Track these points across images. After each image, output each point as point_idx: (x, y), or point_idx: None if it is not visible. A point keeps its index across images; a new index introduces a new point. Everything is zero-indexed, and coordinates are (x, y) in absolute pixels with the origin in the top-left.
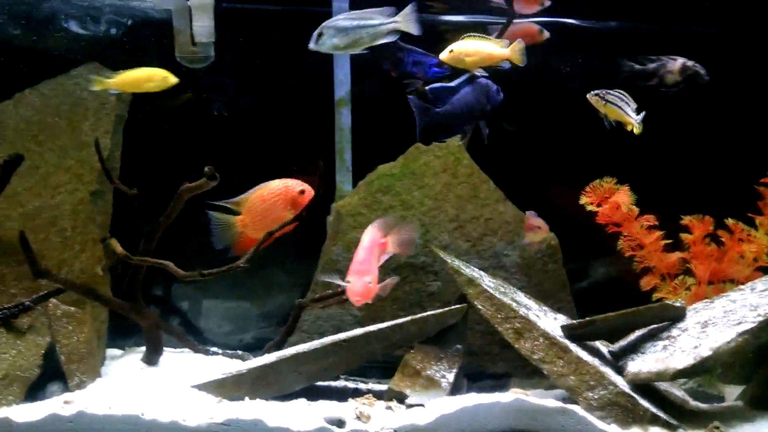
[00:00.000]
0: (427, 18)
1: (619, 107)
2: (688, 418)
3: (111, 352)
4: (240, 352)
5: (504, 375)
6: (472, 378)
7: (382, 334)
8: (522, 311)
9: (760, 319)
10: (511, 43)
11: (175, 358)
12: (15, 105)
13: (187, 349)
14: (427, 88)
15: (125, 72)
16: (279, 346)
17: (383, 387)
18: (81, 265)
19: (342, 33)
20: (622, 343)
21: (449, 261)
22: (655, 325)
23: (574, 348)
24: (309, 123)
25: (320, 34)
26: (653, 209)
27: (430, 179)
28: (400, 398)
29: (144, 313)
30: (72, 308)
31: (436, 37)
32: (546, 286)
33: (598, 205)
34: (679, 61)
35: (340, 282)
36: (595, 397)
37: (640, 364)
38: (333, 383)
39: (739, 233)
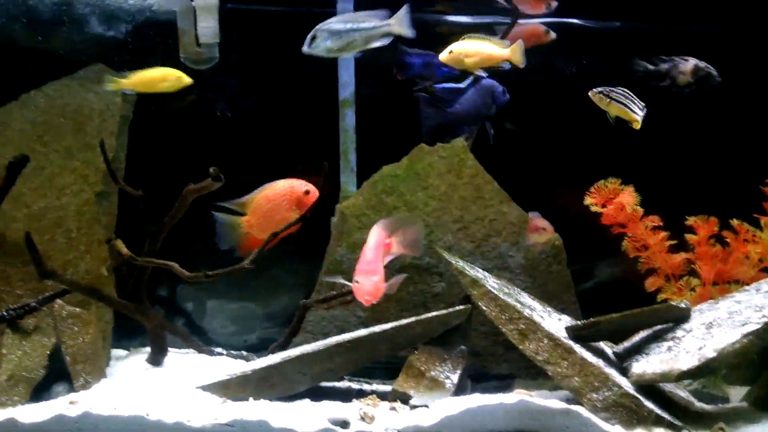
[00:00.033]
0: (431, 18)
1: (625, 105)
2: (693, 419)
3: (116, 352)
4: (244, 353)
5: (508, 376)
6: (476, 379)
7: (387, 335)
8: (526, 312)
9: (765, 320)
10: (520, 44)
11: (180, 359)
12: (20, 106)
13: (191, 350)
14: (436, 87)
15: (139, 72)
16: (283, 347)
17: (387, 388)
18: (86, 266)
19: (335, 36)
20: (627, 344)
21: (453, 262)
22: (660, 326)
23: (578, 349)
24: (313, 124)
25: (314, 37)
26: (658, 210)
27: (434, 180)
28: (404, 399)
29: (149, 313)
30: (77, 309)
31: (435, 37)
32: (550, 287)
33: (603, 206)
34: (691, 62)
35: (345, 282)
36: (600, 398)
37: (645, 365)
38: (337, 384)
39: (744, 234)
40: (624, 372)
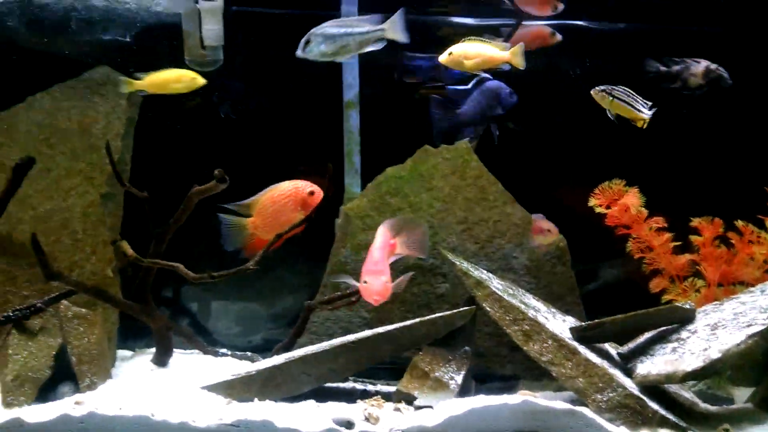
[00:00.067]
0: (436, 20)
1: (627, 103)
2: (698, 420)
3: (121, 353)
4: (249, 354)
5: (512, 377)
6: (480, 380)
7: (391, 336)
8: (531, 313)
9: None
10: (520, 46)
11: (185, 360)
12: (27, 108)
13: (196, 351)
14: (447, 89)
15: (154, 73)
16: (288, 348)
17: (392, 388)
18: (92, 267)
19: (329, 40)
20: (631, 345)
21: (458, 263)
22: (665, 327)
23: (582, 350)
24: (318, 126)
25: (307, 42)
26: (662, 211)
27: (438, 181)
28: (409, 400)
29: (154, 314)
30: (83, 310)
31: (440, 40)
32: (555, 288)
33: (607, 207)
34: (703, 64)
35: (353, 282)
36: (604, 399)
37: (650, 366)
38: (342, 385)
39: (749, 235)
40: (628, 373)
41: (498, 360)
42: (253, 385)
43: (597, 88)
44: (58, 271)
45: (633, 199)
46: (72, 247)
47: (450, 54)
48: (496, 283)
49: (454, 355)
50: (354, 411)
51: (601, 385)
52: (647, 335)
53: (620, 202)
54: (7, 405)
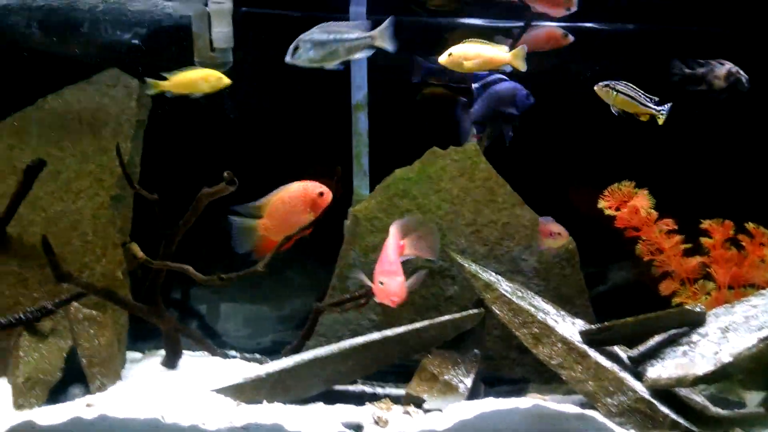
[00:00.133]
0: (443, 21)
1: (631, 97)
2: (709, 424)
3: (131, 355)
4: (258, 356)
5: (522, 380)
6: (489, 383)
7: (400, 339)
8: (540, 316)
9: None
10: (522, 48)
11: (194, 362)
12: (37, 111)
13: (205, 353)
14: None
15: (179, 73)
16: (296, 350)
17: (401, 391)
18: (102, 269)
19: (318, 47)
20: (642, 348)
21: (466, 265)
22: (675, 331)
23: (592, 353)
24: (326, 127)
25: (296, 48)
26: (672, 213)
27: (446, 183)
28: (418, 403)
29: (163, 316)
30: (93, 312)
31: (438, 40)
32: (564, 291)
33: (617, 209)
34: (726, 67)
35: (366, 280)
36: (615, 403)
37: (660, 370)
38: (350, 387)
39: (760, 237)
40: (639, 376)
41: (507, 363)
42: (262, 387)
43: (600, 83)
44: (68, 273)
45: (643, 201)
46: (82, 249)
47: (450, 55)
48: (505, 286)
49: (463, 358)
50: (363, 414)
51: (611, 388)
52: (657, 338)
53: (630, 204)
54: (19, 407)
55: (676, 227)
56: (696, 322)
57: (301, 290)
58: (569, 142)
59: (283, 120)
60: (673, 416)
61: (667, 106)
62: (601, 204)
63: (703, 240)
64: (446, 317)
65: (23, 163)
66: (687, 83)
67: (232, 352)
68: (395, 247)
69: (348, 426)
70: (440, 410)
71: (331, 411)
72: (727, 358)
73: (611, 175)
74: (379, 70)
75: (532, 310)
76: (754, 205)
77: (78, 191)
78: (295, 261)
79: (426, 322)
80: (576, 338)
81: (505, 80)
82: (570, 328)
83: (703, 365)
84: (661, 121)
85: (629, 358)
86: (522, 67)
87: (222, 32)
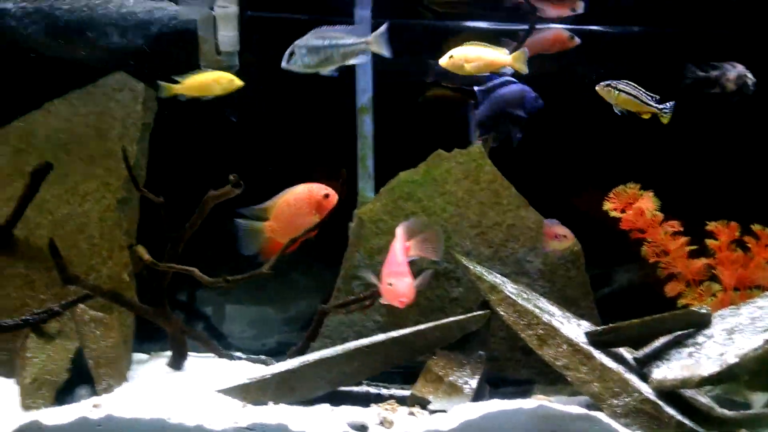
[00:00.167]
0: (450, 24)
1: (634, 96)
2: (714, 425)
3: (137, 356)
4: (263, 357)
5: (527, 381)
6: (494, 384)
7: (405, 340)
8: (545, 317)
9: None
10: (523, 51)
11: (200, 363)
12: (44, 114)
13: (211, 354)
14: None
15: (192, 76)
16: (302, 352)
17: (406, 393)
18: (108, 271)
19: (313, 52)
20: (647, 349)
21: (471, 267)
22: (680, 332)
23: (597, 355)
24: (331, 130)
25: (291, 53)
26: (678, 215)
27: (451, 186)
28: (423, 404)
29: (169, 318)
30: (100, 314)
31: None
32: (569, 293)
33: (622, 211)
34: (737, 69)
35: (374, 280)
36: (620, 404)
37: (665, 371)
38: (356, 388)
39: (766, 239)
40: (644, 378)
41: (512, 364)
42: (267, 388)
43: (601, 83)
44: (75, 275)
45: (648, 202)
46: (89, 252)
47: (450, 57)
48: (510, 288)
49: (468, 359)
50: (368, 415)
51: (616, 389)
52: (663, 340)
53: (635, 205)
54: (26, 407)
55: (681, 229)
56: (701, 323)
57: (307, 292)
58: (574, 145)
59: (289, 123)
60: (679, 417)
61: (669, 104)
62: (607, 206)
63: (709, 242)
64: (451, 319)
65: (30, 167)
66: (701, 86)
67: (238, 354)
68: (401, 249)
69: (353, 427)
70: (445, 411)
71: (336, 412)
72: (732, 360)
73: (616, 177)
74: (383, 73)
75: (537, 311)
76: (759, 206)
77: (84, 194)
78: (300, 263)
79: (431, 324)
80: (581, 340)
81: (514, 82)
82: (575, 329)
83: (708, 366)
84: (665, 120)
85: (635, 359)
86: (523, 69)
87: (228, 36)
